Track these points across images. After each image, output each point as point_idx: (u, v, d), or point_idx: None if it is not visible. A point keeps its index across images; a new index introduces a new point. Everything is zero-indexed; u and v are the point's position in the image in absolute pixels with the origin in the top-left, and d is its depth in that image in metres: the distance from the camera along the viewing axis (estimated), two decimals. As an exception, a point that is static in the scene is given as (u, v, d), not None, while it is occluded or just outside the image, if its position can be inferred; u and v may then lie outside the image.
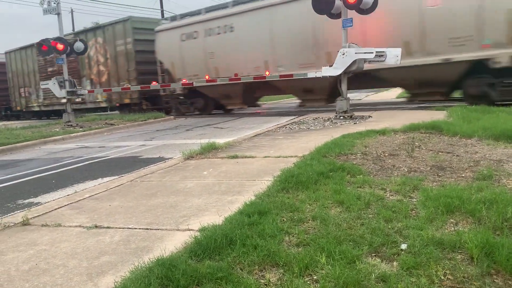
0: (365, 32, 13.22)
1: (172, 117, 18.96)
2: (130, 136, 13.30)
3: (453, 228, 3.26)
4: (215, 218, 3.82)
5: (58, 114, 25.31)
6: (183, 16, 18.98)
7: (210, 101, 18.97)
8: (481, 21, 11.70)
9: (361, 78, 13.87)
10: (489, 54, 11.71)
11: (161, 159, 8.23)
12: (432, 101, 14.34)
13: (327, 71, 11.72)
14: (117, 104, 22.68)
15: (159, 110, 20.36)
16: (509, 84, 11.76)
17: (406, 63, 12.03)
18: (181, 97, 19.28)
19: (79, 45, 17.74)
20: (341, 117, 11.75)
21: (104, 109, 26.56)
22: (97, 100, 23.10)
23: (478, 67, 12.11)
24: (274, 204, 3.95)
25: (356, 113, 12.35)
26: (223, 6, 17.56)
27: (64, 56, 17.24)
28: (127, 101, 21.50)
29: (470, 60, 12.10)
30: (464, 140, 6.93)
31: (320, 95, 15.70)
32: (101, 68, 21.88)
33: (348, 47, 11.33)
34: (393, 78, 14.08)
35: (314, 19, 13.68)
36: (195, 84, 17.26)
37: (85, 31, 23.18)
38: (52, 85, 17.90)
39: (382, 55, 10.73)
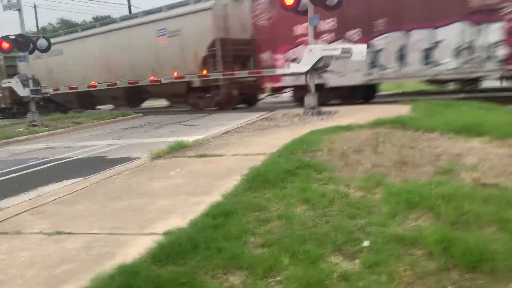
0: (132, 60, 19.34)
1: (141, 114, 18.80)
2: (97, 135, 13.01)
3: (414, 224, 3.34)
4: (180, 220, 3.78)
5: None
6: None
7: (60, 105, 24.12)
8: (183, 56, 17.65)
9: (138, 92, 20.53)
10: (191, 78, 17.35)
11: (128, 159, 8.08)
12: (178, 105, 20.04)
13: (295, 68, 11.80)
14: None
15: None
16: (206, 97, 18.03)
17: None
18: (42, 103, 23.51)
19: (42, 42, 17.13)
20: (310, 113, 11.85)
21: None
22: None
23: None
24: (240, 204, 3.94)
25: (324, 109, 12.48)
26: (58, 34, 24.08)
27: (26, 53, 16.62)
28: (3, 105, 25.49)
29: (186, 81, 17.63)
30: (427, 134, 7.10)
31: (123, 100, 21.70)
32: None
33: (315, 44, 11.43)
34: (155, 91, 19.79)
35: (105, 51, 20.37)
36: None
37: None
38: (15, 83, 17.27)
39: (348, 52, 10.88)
